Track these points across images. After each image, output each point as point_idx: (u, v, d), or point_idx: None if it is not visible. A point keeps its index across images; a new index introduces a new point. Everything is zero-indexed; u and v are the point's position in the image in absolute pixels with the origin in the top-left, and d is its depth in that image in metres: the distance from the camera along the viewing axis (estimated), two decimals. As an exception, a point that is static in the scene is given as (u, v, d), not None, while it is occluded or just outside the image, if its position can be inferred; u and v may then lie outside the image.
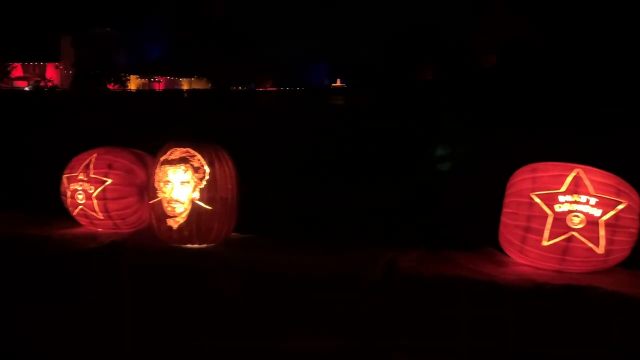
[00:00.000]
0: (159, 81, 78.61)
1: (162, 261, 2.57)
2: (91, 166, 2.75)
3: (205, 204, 2.58)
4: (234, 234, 2.80)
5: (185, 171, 2.58)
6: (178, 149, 2.62)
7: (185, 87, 77.85)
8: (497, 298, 2.08)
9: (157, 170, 2.63)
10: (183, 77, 78.50)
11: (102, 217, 2.75)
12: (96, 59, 65.16)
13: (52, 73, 70.36)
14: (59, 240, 2.76)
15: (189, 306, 2.44)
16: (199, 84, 76.53)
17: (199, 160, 2.60)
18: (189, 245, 2.64)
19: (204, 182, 2.59)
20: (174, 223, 2.60)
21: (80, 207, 2.76)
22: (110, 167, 2.73)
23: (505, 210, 2.29)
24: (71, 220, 2.97)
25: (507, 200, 2.28)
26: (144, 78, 78.48)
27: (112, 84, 68.42)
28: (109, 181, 2.71)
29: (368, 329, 2.19)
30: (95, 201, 2.72)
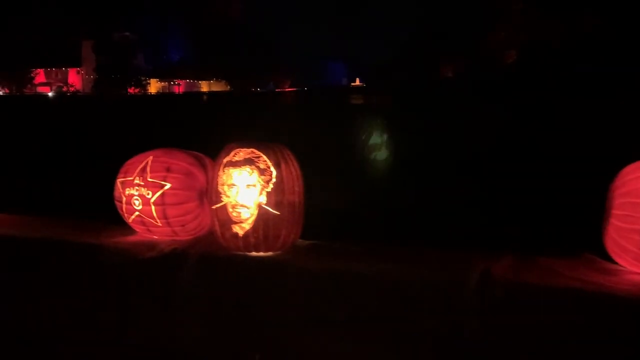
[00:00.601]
0: (178, 84, 79.21)
1: (232, 271, 2.38)
2: (148, 169, 2.57)
3: (273, 209, 2.39)
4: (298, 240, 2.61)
5: (251, 173, 2.39)
6: (242, 149, 2.43)
7: (204, 89, 78.28)
8: (618, 312, 1.85)
9: (220, 172, 2.44)
10: (202, 79, 78.96)
11: (160, 224, 2.57)
12: (117, 63, 65.85)
13: (74, 78, 71.29)
14: (115, 249, 2.58)
15: (269, 324, 2.25)
16: (218, 87, 76.90)
17: (264, 161, 2.40)
18: (254, 253, 2.45)
19: (271, 185, 2.39)
20: (239, 229, 2.41)
21: (137, 213, 2.58)
22: (168, 170, 2.55)
23: (615, 212, 2.05)
24: (123, 227, 2.80)
25: (618, 201, 2.04)
26: (164, 81, 79.17)
27: (133, 87, 69.12)
28: (168, 185, 2.53)
29: (472, 349, 1.97)
30: (153, 207, 2.54)
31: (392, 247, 2.53)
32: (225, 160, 2.44)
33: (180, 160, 2.59)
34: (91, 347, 2.51)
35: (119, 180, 2.66)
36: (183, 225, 2.59)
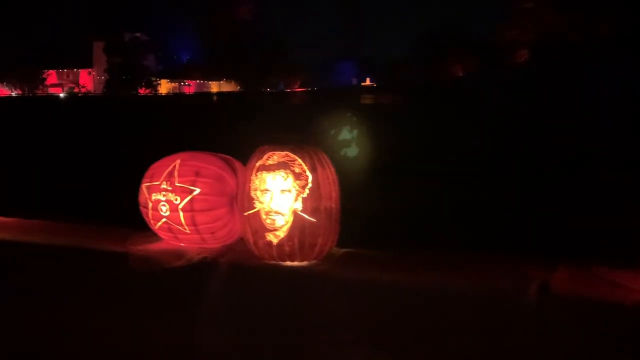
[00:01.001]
0: (189, 85, 79.43)
1: (265, 282, 2.25)
2: (175, 173, 2.44)
3: (309, 216, 2.24)
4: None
5: (286, 178, 2.25)
6: (276, 152, 2.29)
7: (214, 89, 78.40)
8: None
9: (253, 177, 2.30)
10: (212, 80, 79.08)
11: (188, 232, 2.44)
12: (128, 64, 66.12)
13: (85, 79, 71.73)
14: (141, 257, 2.45)
15: (304, 339, 2.11)
16: (228, 87, 76.96)
17: (300, 165, 2.26)
18: (288, 263, 2.31)
19: (307, 191, 2.25)
20: (274, 238, 2.27)
21: (164, 219, 2.45)
22: (197, 174, 2.42)
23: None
24: (148, 233, 2.68)
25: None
26: (174, 82, 79.42)
27: (144, 88, 69.38)
28: (197, 190, 2.39)
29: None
30: (181, 213, 2.40)
31: (434, 255, 2.38)
32: (257, 164, 2.31)
33: (210, 164, 2.45)
34: (118, 357, 2.39)
35: (144, 185, 2.54)
36: (212, 233, 2.45)
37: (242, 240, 2.54)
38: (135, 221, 2.90)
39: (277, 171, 2.25)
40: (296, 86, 75.85)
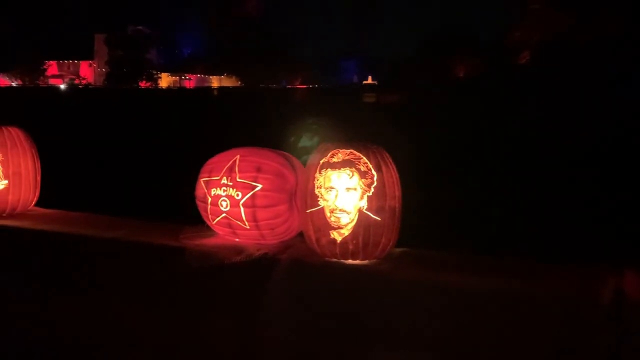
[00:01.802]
0: (189, 79, 79.28)
1: (328, 279, 2.24)
2: (236, 169, 2.43)
3: (374, 214, 2.24)
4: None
5: (351, 176, 2.25)
6: (340, 150, 2.29)
7: (215, 84, 78.27)
8: None
9: (317, 174, 2.30)
10: (213, 74, 78.92)
11: (248, 227, 2.43)
12: (129, 57, 65.94)
13: (86, 71, 71.52)
14: (198, 252, 2.45)
15: (368, 338, 2.11)
16: (228, 82, 76.79)
17: (365, 163, 2.26)
18: (350, 261, 2.31)
19: (372, 189, 2.25)
20: (338, 235, 2.26)
21: (224, 215, 2.45)
22: (259, 170, 2.41)
23: None
24: (197, 227, 2.68)
25: None
26: (175, 76, 79.25)
27: (144, 81, 69.19)
28: (259, 186, 2.39)
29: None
30: (242, 209, 2.40)
31: (490, 257, 2.38)
32: (321, 162, 2.30)
33: (271, 160, 2.45)
34: (176, 353, 2.39)
35: (202, 180, 2.53)
36: (272, 229, 2.45)
37: (298, 237, 2.55)
38: (180, 215, 2.90)
39: (342, 169, 2.25)
40: (297, 83, 75.66)
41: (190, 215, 2.83)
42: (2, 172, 2.92)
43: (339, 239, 2.26)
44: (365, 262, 2.31)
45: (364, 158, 2.27)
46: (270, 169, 2.42)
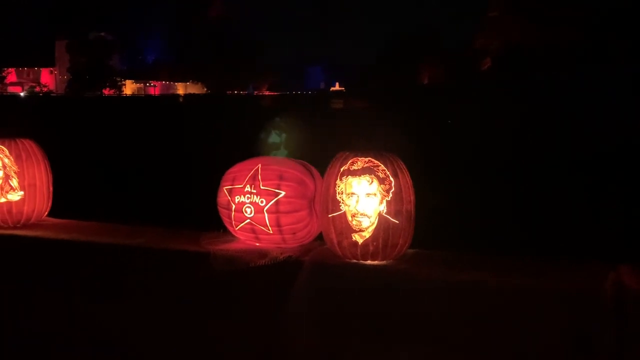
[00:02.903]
0: (154, 86, 78.25)
1: (352, 279, 2.40)
2: (259, 177, 2.57)
3: (393, 218, 2.42)
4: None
5: (371, 182, 2.42)
6: (359, 158, 2.46)
7: (180, 91, 77.43)
8: None
9: (338, 181, 2.46)
10: (179, 81, 78.12)
11: (271, 232, 2.57)
12: (91, 63, 64.70)
13: (47, 78, 69.79)
14: (223, 256, 2.57)
15: (395, 336, 2.27)
16: (194, 89, 76.12)
17: (383, 170, 2.43)
18: (369, 262, 2.47)
19: (390, 194, 2.43)
20: (359, 238, 2.43)
21: (248, 220, 2.58)
22: (281, 178, 2.56)
23: None
24: (217, 233, 2.81)
25: None
26: (139, 83, 78.07)
27: (108, 89, 67.95)
28: (282, 193, 2.53)
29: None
30: (266, 215, 2.54)
31: (500, 256, 2.57)
32: (342, 169, 2.46)
33: (292, 168, 2.60)
34: (203, 353, 2.50)
35: (225, 188, 2.66)
36: (294, 233, 2.59)
37: (316, 240, 2.70)
38: (196, 222, 3.02)
39: (362, 176, 2.42)
40: (264, 89, 75.55)
41: (199, 221, 2.96)
42: (18, 183, 2.98)
43: (360, 241, 2.43)
44: (384, 262, 2.48)
45: (382, 165, 2.44)
46: (292, 176, 2.57)
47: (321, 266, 2.47)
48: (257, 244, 2.68)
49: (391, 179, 2.43)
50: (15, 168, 2.95)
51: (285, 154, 2.67)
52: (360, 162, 2.45)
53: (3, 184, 2.94)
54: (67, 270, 2.71)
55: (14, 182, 2.95)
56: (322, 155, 2.96)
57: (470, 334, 2.24)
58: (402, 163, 2.52)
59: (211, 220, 2.87)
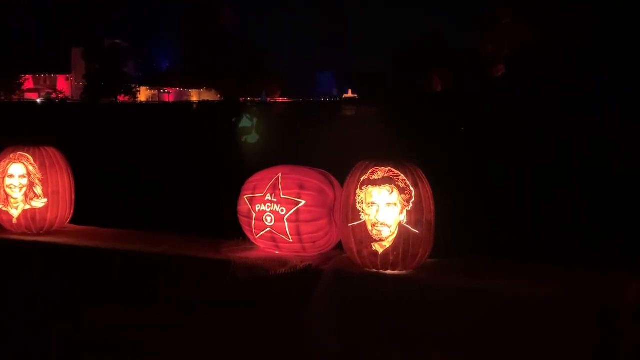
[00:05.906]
0: (168, 92, 78.96)
1: (372, 289, 2.41)
2: (280, 186, 2.59)
3: (413, 228, 2.42)
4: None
5: (391, 192, 2.43)
6: (380, 168, 2.47)
7: (194, 98, 78.06)
8: None
9: (358, 191, 2.47)
10: (193, 88, 78.76)
11: (291, 241, 2.59)
12: (107, 70, 65.52)
13: (63, 85, 70.78)
14: (244, 264, 2.59)
15: (417, 345, 2.27)
16: (208, 95, 76.70)
17: (403, 180, 2.44)
18: (389, 272, 2.48)
19: (411, 204, 2.43)
20: (379, 247, 2.44)
21: (268, 229, 2.60)
22: (301, 187, 2.58)
23: None
24: (236, 241, 2.83)
25: None
26: (154, 89, 78.84)
27: (123, 95, 68.73)
28: (303, 202, 2.55)
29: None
30: (287, 224, 2.56)
31: (516, 263, 2.57)
32: (362, 179, 2.48)
33: (312, 178, 2.62)
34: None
35: (245, 197, 2.68)
36: (314, 242, 2.61)
37: (335, 249, 2.71)
38: (212, 229, 3.05)
39: (382, 186, 2.43)
40: (277, 96, 75.90)
41: (216, 228, 2.98)
42: (42, 190, 3.03)
43: (380, 250, 2.44)
44: (404, 272, 2.48)
45: (402, 175, 2.45)
46: (312, 185, 2.59)
47: (341, 275, 2.48)
48: (277, 252, 2.70)
49: (411, 188, 2.44)
50: (39, 176, 3.00)
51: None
52: (381, 172, 2.46)
53: (27, 192, 2.99)
54: (92, 277, 2.75)
55: (38, 190, 3.00)
56: (338, 163, 2.99)
57: (493, 342, 2.23)
58: (421, 172, 2.53)
59: (228, 227, 2.90)
